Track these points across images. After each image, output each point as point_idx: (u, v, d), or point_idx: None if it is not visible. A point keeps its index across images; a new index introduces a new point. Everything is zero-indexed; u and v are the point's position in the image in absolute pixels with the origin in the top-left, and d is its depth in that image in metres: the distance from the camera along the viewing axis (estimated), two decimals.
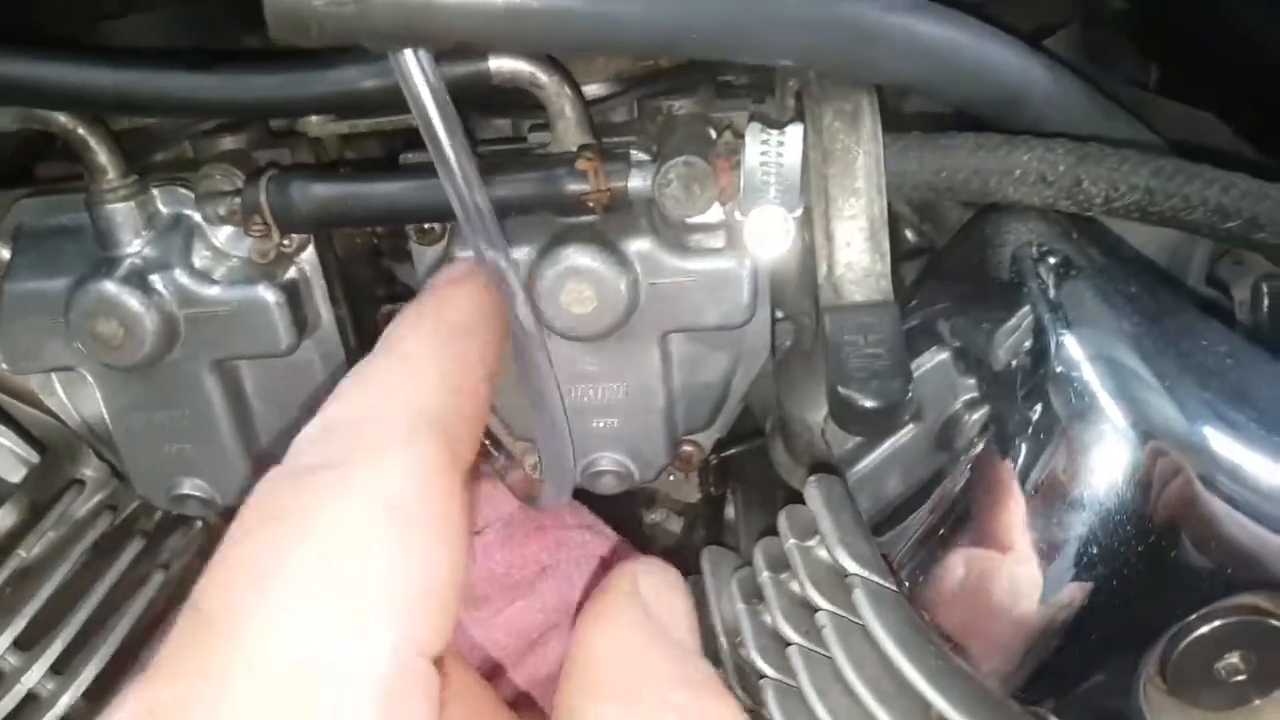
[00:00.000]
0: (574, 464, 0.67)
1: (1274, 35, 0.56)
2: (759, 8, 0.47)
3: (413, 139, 0.62)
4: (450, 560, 0.32)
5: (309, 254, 0.66)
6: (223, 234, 0.63)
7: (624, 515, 0.82)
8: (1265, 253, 0.56)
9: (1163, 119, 0.63)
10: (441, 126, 0.51)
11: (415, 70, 0.50)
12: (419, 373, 0.38)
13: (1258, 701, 0.50)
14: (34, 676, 0.73)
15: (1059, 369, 0.48)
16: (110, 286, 0.62)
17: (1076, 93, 0.57)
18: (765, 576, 0.65)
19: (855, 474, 0.63)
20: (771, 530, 0.67)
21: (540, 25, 0.45)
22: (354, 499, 0.32)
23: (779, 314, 0.70)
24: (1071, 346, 0.48)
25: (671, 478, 0.77)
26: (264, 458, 0.72)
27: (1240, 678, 0.49)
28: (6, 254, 0.67)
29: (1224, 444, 0.46)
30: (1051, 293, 0.51)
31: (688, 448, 0.71)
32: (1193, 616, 0.48)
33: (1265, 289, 0.61)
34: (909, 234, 0.70)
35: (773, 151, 0.53)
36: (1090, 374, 0.47)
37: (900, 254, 0.69)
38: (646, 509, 0.84)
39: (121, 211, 0.63)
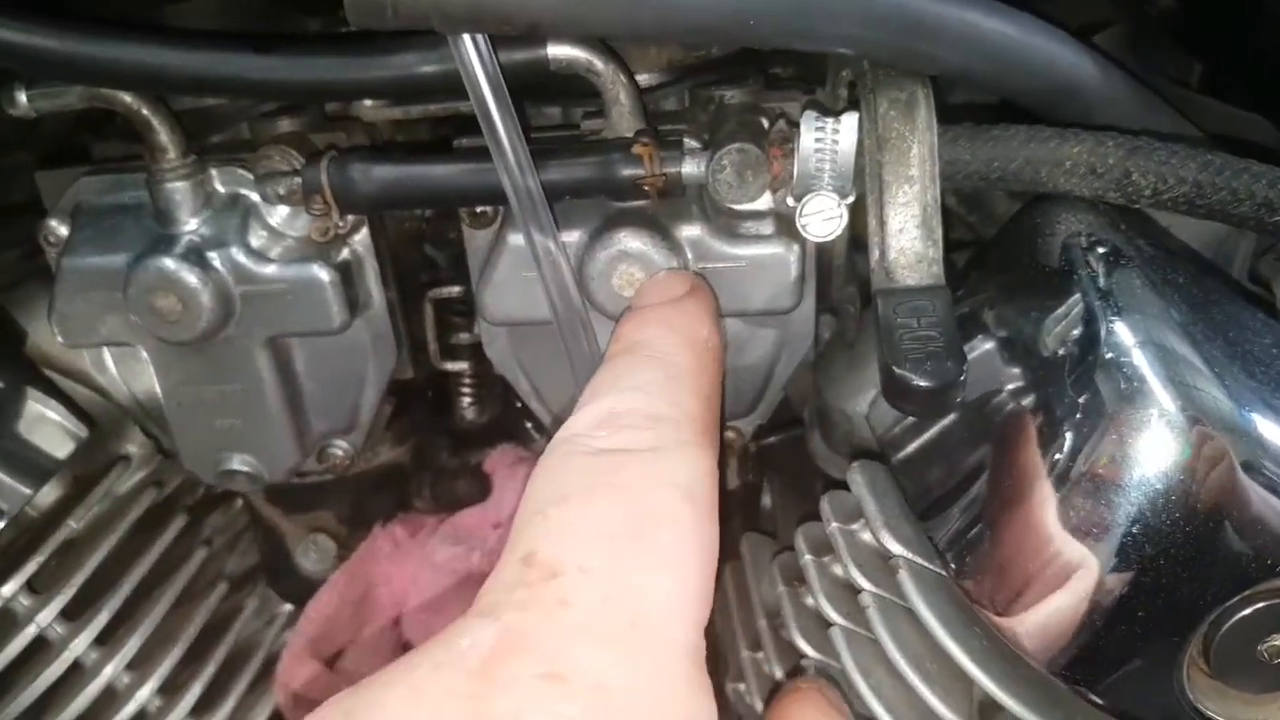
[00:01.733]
0: None
1: None
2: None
3: (463, 124, 0.64)
4: (717, 548, 0.35)
5: (362, 236, 0.67)
6: (279, 214, 0.65)
7: None
8: None
9: (1207, 118, 0.64)
10: (496, 111, 0.53)
11: (474, 55, 0.51)
12: (692, 388, 0.40)
13: None
14: (80, 646, 0.75)
15: (1109, 354, 0.49)
16: (169, 263, 0.63)
17: (1125, 88, 0.58)
18: (808, 559, 0.66)
19: (901, 458, 0.64)
20: (811, 516, 0.68)
21: (607, 10, 0.47)
22: (658, 482, 0.35)
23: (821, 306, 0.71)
24: (1122, 332, 0.49)
25: None
26: (309, 433, 0.73)
27: None
28: (65, 230, 0.68)
29: (1270, 430, 0.47)
30: (1101, 280, 0.52)
31: (730, 433, 0.72)
32: (1235, 599, 0.49)
33: None
34: (956, 227, 0.71)
35: (828, 138, 0.54)
36: (1140, 359, 0.48)
37: (947, 247, 0.70)
38: None
39: (181, 190, 0.64)
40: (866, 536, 0.62)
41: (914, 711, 0.58)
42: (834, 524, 0.64)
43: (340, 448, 0.76)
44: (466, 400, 0.83)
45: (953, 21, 0.52)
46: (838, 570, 0.64)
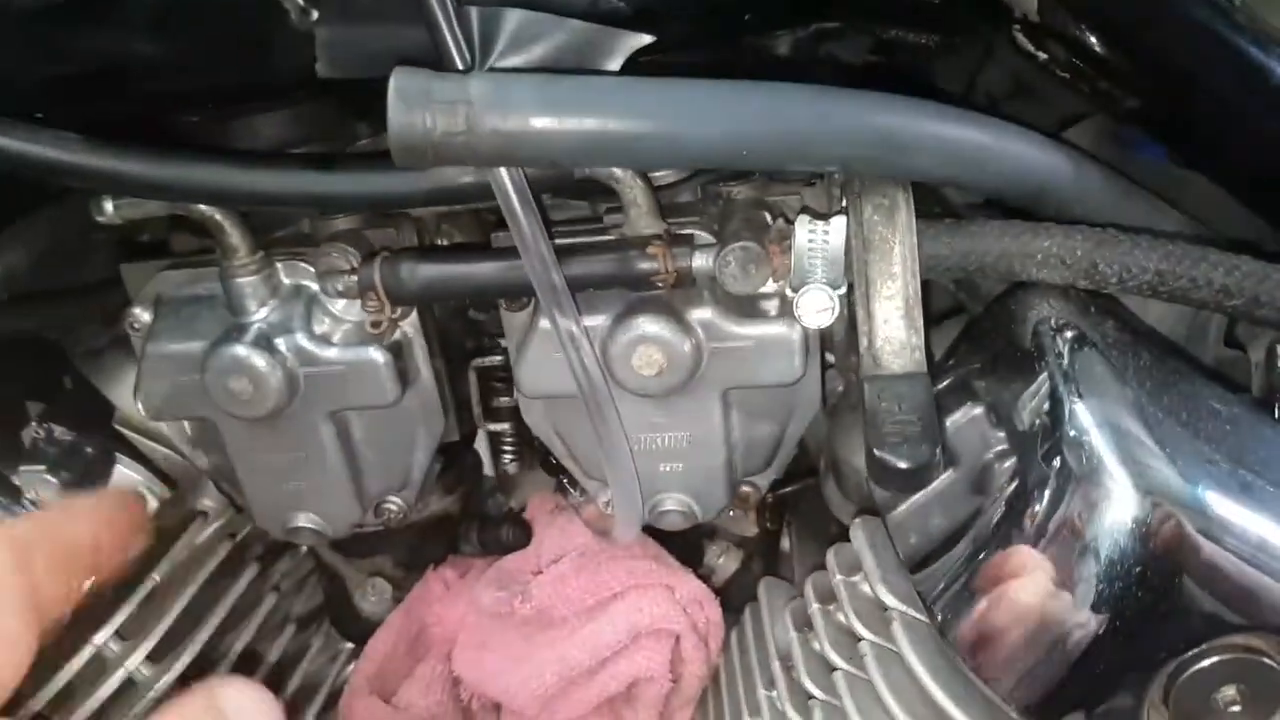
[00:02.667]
0: (642, 503, 0.75)
1: None
2: (803, 127, 0.54)
3: (503, 216, 0.71)
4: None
5: (412, 318, 0.75)
6: (339, 303, 0.73)
7: (688, 547, 0.89)
8: (1269, 325, 0.62)
9: (1194, 192, 0.69)
10: (525, 222, 0.60)
11: (506, 177, 0.59)
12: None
13: None
14: (164, 685, 0.83)
15: (1071, 433, 0.55)
16: (241, 349, 0.71)
17: (1097, 181, 0.63)
18: (815, 608, 0.72)
19: (900, 514, 0.70)
20: (823, 565, 0.75)
21: (617, 148, 0.54)
22: None
23: (831, 360, 0.77)
24: (1082, 414, 0.55)
25: (731, 514, 0.85)
26: (367, 493, 0.81)
27: (1236, 709, 0.55)
28: (148, 318, 0.77)
29: (1218, 501, 0.53)
30: (1066, 364, 0.57)
31: (746, 488, 0.79)
32: (1192, 652, 0.54)
33: (1279, 351, 0.67)
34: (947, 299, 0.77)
35: (819, 239, 0.61)
36: (1098, 439, 0.54)
37: (938, 313, 0.76)
38: (708, 541, 0.92)
39: (250, 284, 0.72)
40: (865, 588, 0.68)
41: None
42: (838, 576, 0.71)
43: (394, 504, 0.83)
44: (508, 457, 0.91)
45: (928, 136, 0.58)
46: (841, 619, 0.70)
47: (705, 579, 0.86)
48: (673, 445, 0.73)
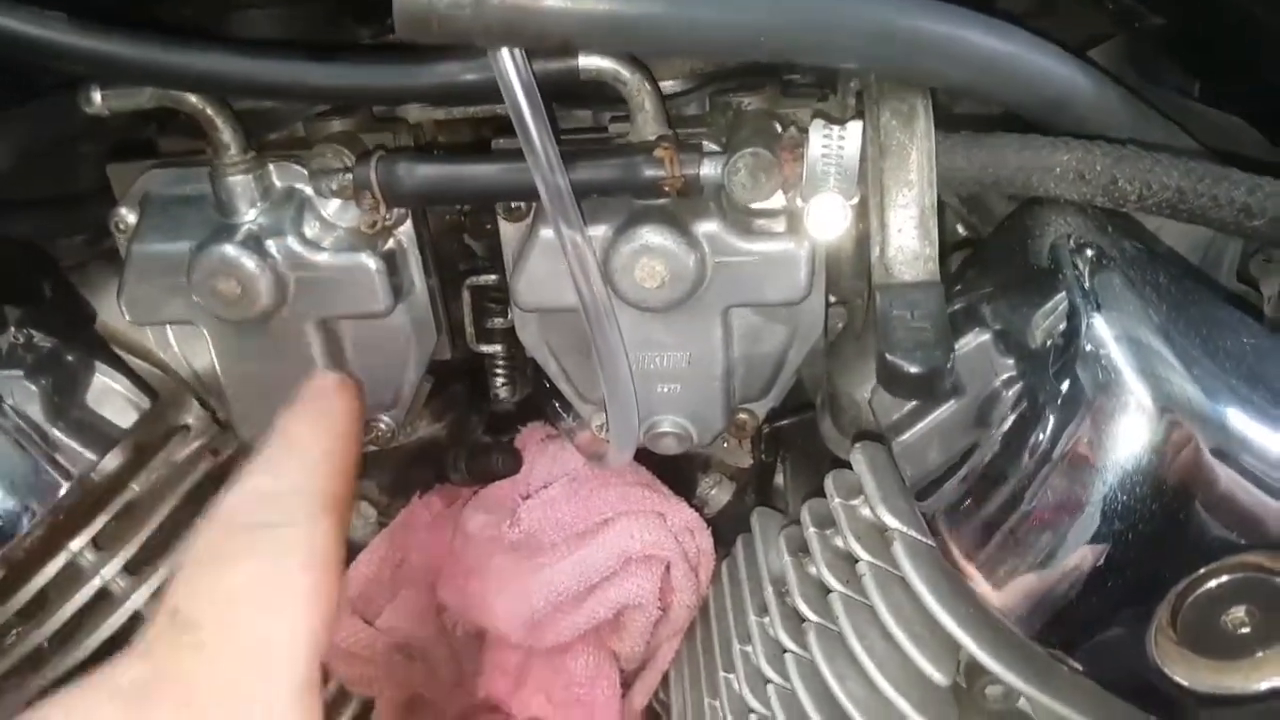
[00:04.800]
0: (638, 425, 0.73)
1: None
2: (824, 17, 0.52)
3: (501, 125, 0.69)
4: (334, 600, 0.43)
5: (406, 228, 0.72)
6: (331, 206, 0.70)
7: (681, 477, 0.88)
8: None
9: (1206, 126, 0.67)
10: (531, 117, 0.58)
11: (510, 66, 0.56)
12: (325, 472, 0.48)
13: (1260, 653, 0.55)
14: (139, 599, 0.82)
15: (1088, 347, 0.54)
16: (230, 249, 0.69)
17: (1116, 99, 0.62)
18: (811, 531, 0.71)
19: (899, 444, 0.69)
20: (819, 493, 0.74)
21: (632, 28, 0.51)
22: (283, 552, 0.44)
23: (833, 299, 0.75)
24: (1100, 327, 0.54)
25: (726, 444, 0.83)
26: None
27: (1244, 630, 0.54)
28: (134, 219, 0.74)
29: (1236, 418, 0.52)
30: (1085, 280, 0.56)
31: (743, 415, 0.77)
32: (1201, 571, 0.53)
33: None
34: (959, 227, 0.76)
35: (834, 145, 0.59)
36: (1116, 352, 0.53)
37: (949, 245, 0.74)
38: (702, 472, 0.90)
39: (241, 184, 0.70)
40: (865, 512, 0.67)
41: (905, 672, 0.63)
42: (836, 499, 0.70)
43: (384, 422, 0.81)
44: (500, 381, 0.89)
45: (951, 39, 0.56)
46: (838, 542, 0.69)
47: (698, 509, 0.85)
48: (671, 365, 0.71)
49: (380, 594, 0.89)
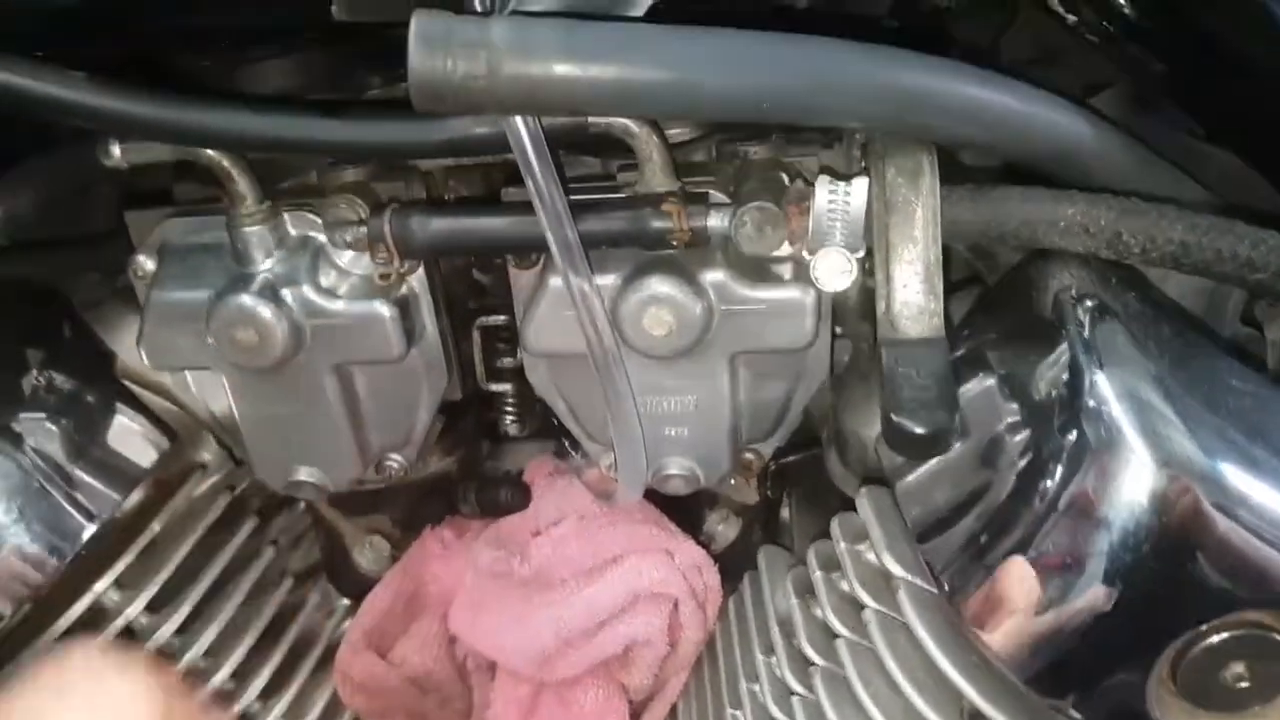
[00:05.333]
0: (645, 468, 0.74)
1: None
2: (826, 81, 0.53)
3: (511, 171, 0.70)
4: None
5: (419, 274, 0.74)
6: (345, 255, 0.72)
7: (688, 513, 0.89)
8: None
9: (1214, 167, 0.68)
10: (541, 174, 0.59)
11: (522, 127, 0.58)
12: None
13: (1258, 708, 0.56)
14: (163, 636, 0.83)
15: (1091, 404, 0.54)
16: (247, 299, 0.70)
17: (1121, 148, 0.62)
18: (818, 575, 0.72)
19: (905, 485, 0.69)
20: (825, 534, 0.75)
21: (637, 96, 0.52)
22: None
23: (839, 330, 0.76)
24: (1103, 385, 0.54)
25: (733, 481, 0.84)
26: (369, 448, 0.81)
27: (1244, 685, 0.55)
28: (152, 266, 0.76)
29: (1236, 475, 0.52)
30: (1087, 334, 0.57)
31: (749, 455, 0.78)
32: (1202, 627, 0.54)
33: None
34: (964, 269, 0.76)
35: (840, 200, 0.60)
36: (1118, 411, 0.54)
37: (955, 284, 0.75)
38: (708, 508, 0.91)
39: (257, 234, 0.71)
40: (871, 557, 0.68)
41: (909, 718, 0.64)
42: (842, 544, 0.71)
43: (395, 460, 0.83)
44: (509, 418, 0.90)
45: (954, 96, 0.57)
46: (844, 586, 0.70)
47: (705, 546, 0.86)
48: (679, 409, 0.72)
49: (394, 626, 0.91)
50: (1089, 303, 0.58)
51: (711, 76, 0.53)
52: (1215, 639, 0.54)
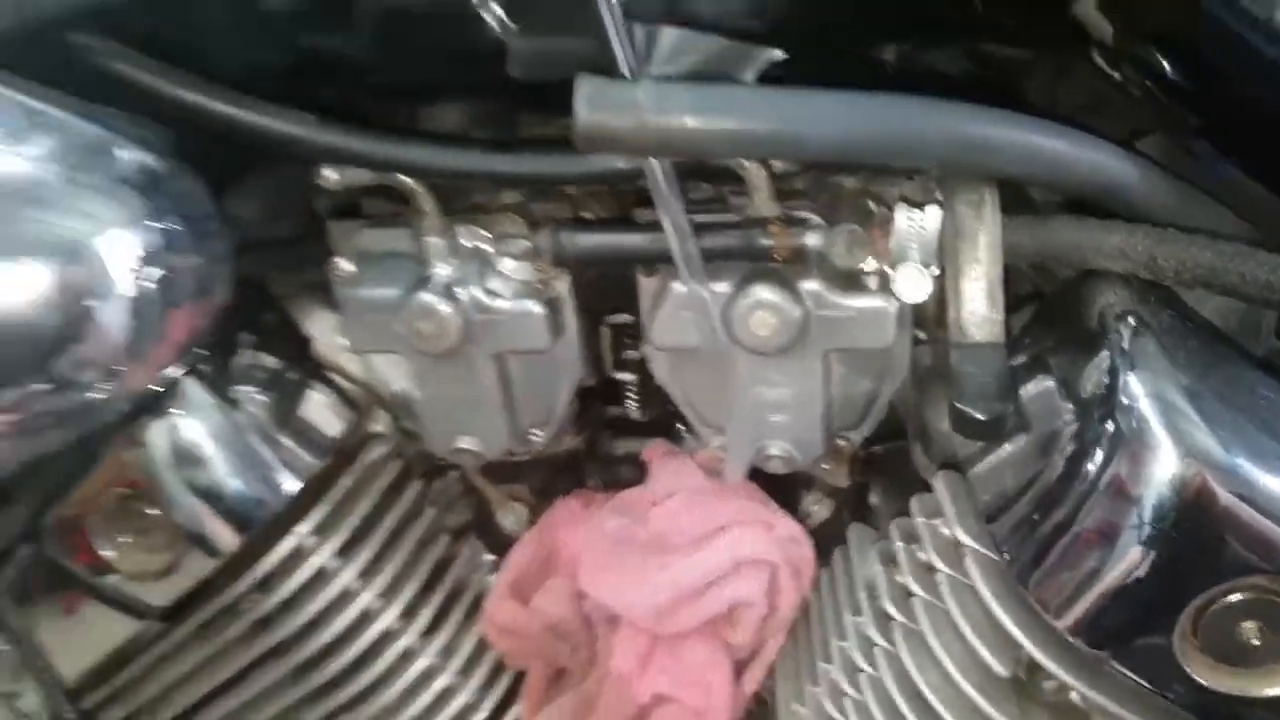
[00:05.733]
0: (751, 448, 0.87)
1: None
2: (905, 131, 0.65)
3: (640, 195, 0.84)
4: None
5: (565, 280, 0.89)
6: (507, 263, 0.87)
7: (788, 494, 1.01)
8: None
9: (1263, 203, 0.76)
10: (671, 201, 0.73)
11: (656, 165, 0.72)
12: None
13: (1272, 665, 0.65)
14: (348, 576, 0.99)
15: (1124, 400, 0.65)
16: (428, 297, 0.86)
17: (1161, 184, 0.71)
18: (899, 546, 0.84)
19: (976, 471, 0.81)
20: (906, 513, 0.86)
21: (751, 144, 0.66)
22: None
23: (922, 336, 0.87)
24: (1134, 385, 0.65)
25: (826, 467, 0.96)
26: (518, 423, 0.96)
27: (1256, 642, 0.64)
28: (350, 268, 0.92)
29: (1247, 465, 0.62)
30: (1124, 344, 0.67)
31: (841, 441, 0.90)
32: (1218, 588, 0.64)
33: None
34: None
35: (916, 225, 0.72)
36: (1145, 407, 0.64)
37: (1021, 298, 0.85)
38: (805, 490, 1.04)
39: (436, 244, 0.87)
40: (945, 530, 0.79)
41: (973, 664, 0.75)
42: (920, 519, 0.82)
43: (537, 435, 0.98)
44: (633, 403, 1.05)
45: (1015, 142, 0.68)
46: (921, 555, 0.81)
47: (801, 522, 0.98)
48: (779, 398, 0.85)
49: (532, 581, 1.05)
50: (1128, 318, 0.68)
51: (808, 128, 0.66)
52: (1230, 600, 0.64)
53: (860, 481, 1.00)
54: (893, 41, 0.78)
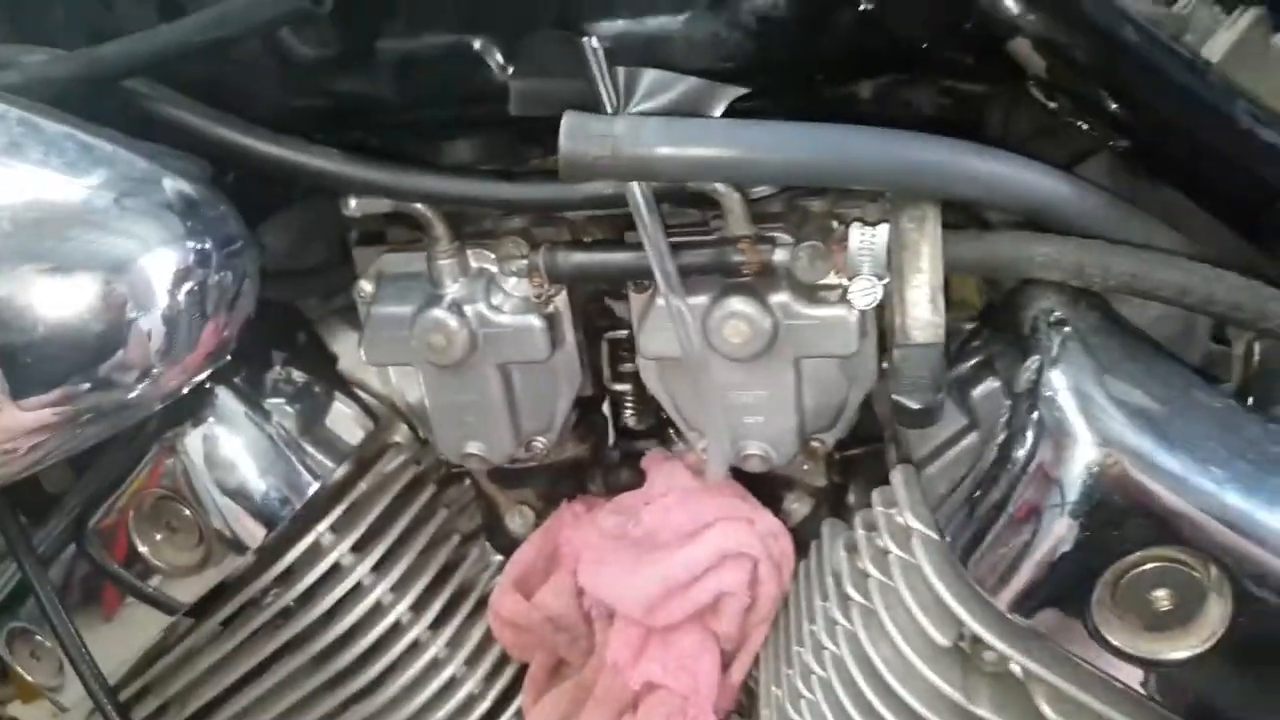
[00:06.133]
0: (729, 448, 0.96)
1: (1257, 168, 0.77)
2: (848, 157, 0.74)
3: (632, 221, 0.94)
4: None
5: (562, 296, 0.98)
6: (510, 281, 0.97)
7: (770, 493, 1.09)
8: (1220, 320, 0.78)
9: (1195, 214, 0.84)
10: (649, 223, 0.82)
11: (637, 190, 0.81)
12: None
13: (1180, 629, 0.72)
14: (362, 571, 1.08)
15: (1046, 394, 0.73)
16: (439, 313, 0.96)
17: (1094, 202, 0.79)
18: (860, 534, 0.92)
19: (933, 468, 0.89)
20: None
21: (714, 168, 0.75)
22: None
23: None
24: (1055, 379, 0.73)
25: (806, 467, 1.04)
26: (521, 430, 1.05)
27: (1166, 608, 0.71)
28: (371, 289, 1.02)
29: (1155, 450, 0.70)
30: (1050, 344, 0.75)
31: (814, 443, 0.98)
32: (1131, 558, 0.71)
33: (1255, 346, 0.82)
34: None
35: (868, 240, 0.81)
36: (1065, 400, 0.72)
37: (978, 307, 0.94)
38: (786, 491, 1.11)
39: (448, 265, 0.97)
40: (898, 518, 0.87)
41: (921, 640, 0.82)
42: (879, 508, 0.90)
43: (540, 442, 1.06)
44: (629, 412, 1.13)
45: (956, 165, 0.76)
46: (879, 542, 0.89)
47: (782, 520, 1.06)
48: (755, 401, 0.94)
49: (536, 577, 1.14)
50: (1054, 320, 0.77)
51: (763, 155, 0.75)
52: (1142, 568, 0.71)
53: (839, 482, 1.08)
54: (854, 77, 0.88)
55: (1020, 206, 0.79)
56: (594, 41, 0.77)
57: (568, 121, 0.74)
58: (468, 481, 1.20)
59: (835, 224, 0.87)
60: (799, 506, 1.09)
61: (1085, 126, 0.80)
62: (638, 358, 0.98)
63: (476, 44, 0.82)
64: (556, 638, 1.13)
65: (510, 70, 0.82)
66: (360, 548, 1.08)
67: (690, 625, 1.05)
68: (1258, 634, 0.71)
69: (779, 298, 0.88)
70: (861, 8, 0.76)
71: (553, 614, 1.10)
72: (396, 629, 1.10)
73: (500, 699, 1.16)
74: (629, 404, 1.13)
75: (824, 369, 0.93)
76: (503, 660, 1.17)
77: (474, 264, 0.98)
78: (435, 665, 1.12)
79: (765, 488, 1.07)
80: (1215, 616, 0.71)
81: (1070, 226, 0.80)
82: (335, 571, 1.08)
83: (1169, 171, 0.82)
